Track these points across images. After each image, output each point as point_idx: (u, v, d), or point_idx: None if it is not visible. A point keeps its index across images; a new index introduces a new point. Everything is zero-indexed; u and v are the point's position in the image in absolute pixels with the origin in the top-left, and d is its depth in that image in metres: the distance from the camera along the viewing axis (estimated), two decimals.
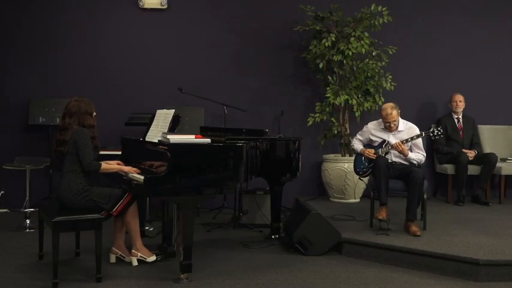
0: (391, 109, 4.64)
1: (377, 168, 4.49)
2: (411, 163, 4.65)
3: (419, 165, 4.67)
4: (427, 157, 4.84)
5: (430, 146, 6.12)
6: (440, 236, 4.30)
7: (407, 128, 4.72)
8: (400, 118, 4.72)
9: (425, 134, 4.60)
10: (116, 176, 3.98)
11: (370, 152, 4.71)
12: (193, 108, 5.91)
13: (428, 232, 4.41)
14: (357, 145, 4.89)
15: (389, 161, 4.64)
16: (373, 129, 4.83)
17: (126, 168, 3.86)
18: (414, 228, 4.33)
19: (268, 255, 4.30)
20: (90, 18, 6.14)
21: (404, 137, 4.62)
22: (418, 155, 4.65)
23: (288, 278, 3.72)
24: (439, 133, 4.57)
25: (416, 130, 4.69)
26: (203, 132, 4.84)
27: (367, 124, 4.94)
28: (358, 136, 4.95)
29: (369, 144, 4.85)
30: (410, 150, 4.65)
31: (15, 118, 6.01)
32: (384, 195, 4.44)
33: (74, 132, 3.76)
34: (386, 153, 4.68)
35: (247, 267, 3.96)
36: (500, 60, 6.51)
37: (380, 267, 3.99)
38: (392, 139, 4.67)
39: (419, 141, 4.66)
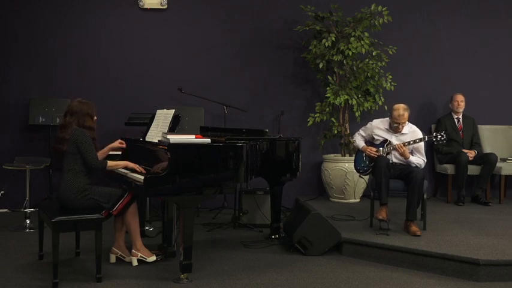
0: (403, 110, 4.65)
1: (377, 168, 4.48)
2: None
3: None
4: (427, 157, 4.83)
5: (430, 146, 6.13)
6: (440, 236, 4.30)
7: (411, 132, 4.70)
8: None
9: (428, 138, 4.59)
10: (116, 176, 3.98)
11: (372, 150, 4.71)
12: (193, 108, 5.91)
13: (428, 232, 4.41)
14: (359, 141, 4.89)
15: (390, 161, 4.64)
16: (377, 127, 4.83)
17: (131, 164, 3.87)
18: (414, 228, 4.33)
19: (268, 255, 4.29)
20: (90, 18, 6.14)
21: (407, 140, 4.61)
22: (418, 160, 4.64)
23: (288, 278, 3.72)
24: (442, 138, 4.55)
25: (419, 134, 4.68)
26: (203, 132, 4.84)
27: (371, 121, 4.93)
28: (361, 132, 4.94)
29: (370, 141, 4.85)
30: (412, 153, 4.65)
31: (15, 118, 6.01)
32: (384, 195, 4.43)
33: (73, 133, 3.76)
34: (388, 153, 4.68)
35: (247, 267, 3.95)
36: None
37: (380, 267, 3.99)
38: (394, 140, 4.67)
39: (421, 145, 4.64)
